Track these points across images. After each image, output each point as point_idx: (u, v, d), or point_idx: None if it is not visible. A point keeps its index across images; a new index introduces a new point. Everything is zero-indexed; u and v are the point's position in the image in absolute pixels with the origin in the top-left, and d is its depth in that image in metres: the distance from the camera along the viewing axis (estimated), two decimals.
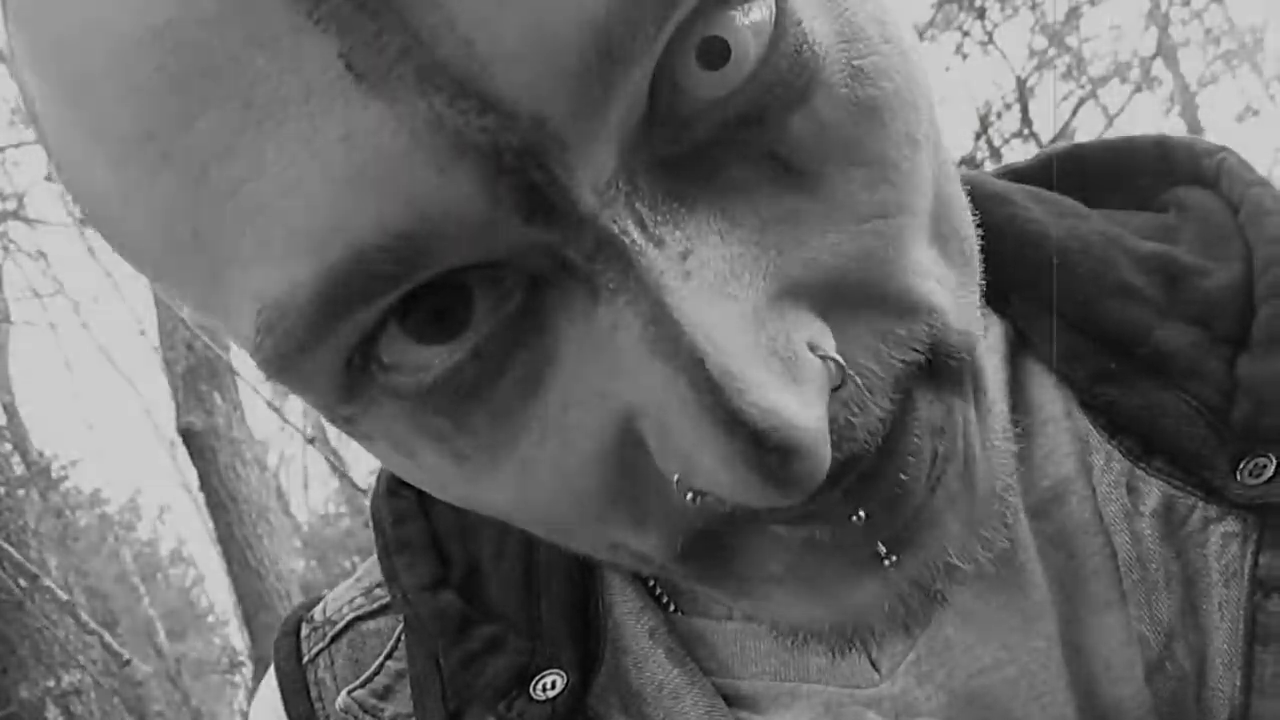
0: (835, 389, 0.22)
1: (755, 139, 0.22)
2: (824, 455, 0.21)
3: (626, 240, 0.20)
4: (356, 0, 0.18)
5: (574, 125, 0.19)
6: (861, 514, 0.24)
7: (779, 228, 0.22)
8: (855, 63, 0.22)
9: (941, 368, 0.25)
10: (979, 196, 0.38)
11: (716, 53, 0.21)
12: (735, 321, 0.21)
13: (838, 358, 0.22)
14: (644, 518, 0.25)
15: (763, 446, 0.20)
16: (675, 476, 0.23)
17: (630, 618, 0.37)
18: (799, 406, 0.20)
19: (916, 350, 0.24)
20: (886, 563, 0.25)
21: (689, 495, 0.23)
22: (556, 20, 0.18)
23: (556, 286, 0.22)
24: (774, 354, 0.21)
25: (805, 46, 0.21)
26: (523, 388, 0.23)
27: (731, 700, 0.35)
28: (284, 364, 0.22)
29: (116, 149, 0.21)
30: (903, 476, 0.24)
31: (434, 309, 0.22)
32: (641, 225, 0.21)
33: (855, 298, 0.23)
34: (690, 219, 0.21)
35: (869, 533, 0.25)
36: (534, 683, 0.35)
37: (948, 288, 0.25)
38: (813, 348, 0.22)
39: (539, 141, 0.19)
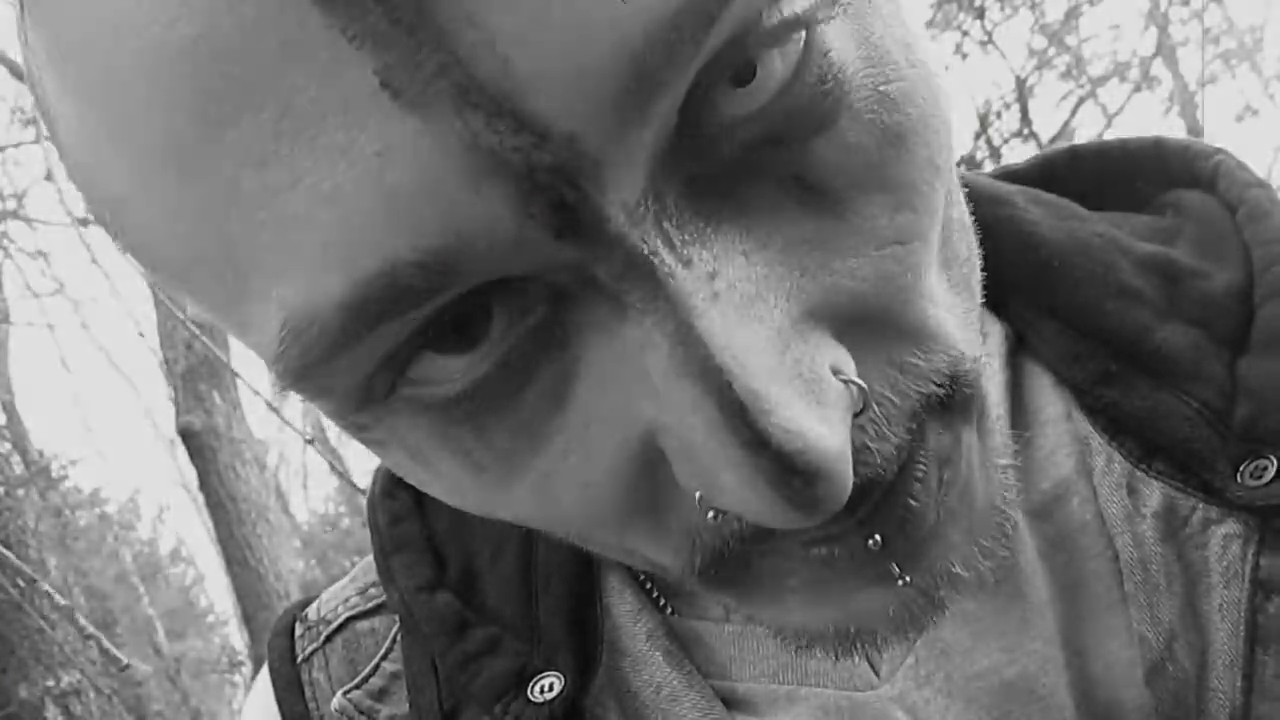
0: (856, 414, 0.22)
1: (781, 160, 0.22)
2: (846, 478, 0.21)
3: (656, 260, 0.20)
4: (393, 17, 0.18)
5: (608, 146, 0.19)
6: (878, 538, 0.24)
7: (802, 250, 0.22)
8: (881, 88, 0.22)
9: (953, 399, 0.25)
10: (978, 199, 0.38)
11: (743, 70, 0.21)
12: (761, 343, 0.21)
13: (860, 382, 0.22)
14: (664, 531, 0.25)
15: (787, 468, 0.20)
16: (698, 494, 0.23)
17: (628, 619, 0.36)
18: (824, 429, 0.21)
19: (935, 384, 0.24)
20: (900, 582, 0.25)
21: (710, 513, 0.24)
22: (594, 43, 0.18)
23: (581, 302, 0.22)
24: (799, 376, 0.21)
25: (833, 69, 0.21)
26: (545, 401, 0.23)
27: (729, 702, 0.35)
28: (305, 373, 0.22)
29: (142, 154, 0.20)
30: (913, 503, 0.24)
31: (454, 320, 0.22)
32: (670, 245, 0.21)
33: (873, 324, 0.23)
34: (716, 238, 0.21)
35: (883, 555, 0.25)
36: (531, 684, 0.35)
37: (954, 314, 0.25)
38: (835, 371, 0.22)
39: (572, 161, 0.19)
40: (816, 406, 0.21)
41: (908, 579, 0.25)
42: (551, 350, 0.23)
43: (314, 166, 0.19)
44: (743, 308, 0.21)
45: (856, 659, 0.34)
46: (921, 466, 0.24)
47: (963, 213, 0.27)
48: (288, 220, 0.20)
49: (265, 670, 0.42)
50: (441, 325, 0.22)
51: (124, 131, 0.20)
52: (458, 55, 0.18)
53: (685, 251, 0.21)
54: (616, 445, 0.23)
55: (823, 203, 0.22)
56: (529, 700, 0.34)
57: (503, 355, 0.22)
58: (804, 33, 0.21)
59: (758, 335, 0.21)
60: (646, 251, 0.20)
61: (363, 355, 0.22)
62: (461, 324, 0.22)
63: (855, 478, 0.22)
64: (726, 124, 0.21)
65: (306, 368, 0.22)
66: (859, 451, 0.23)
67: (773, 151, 0.22)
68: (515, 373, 0.23)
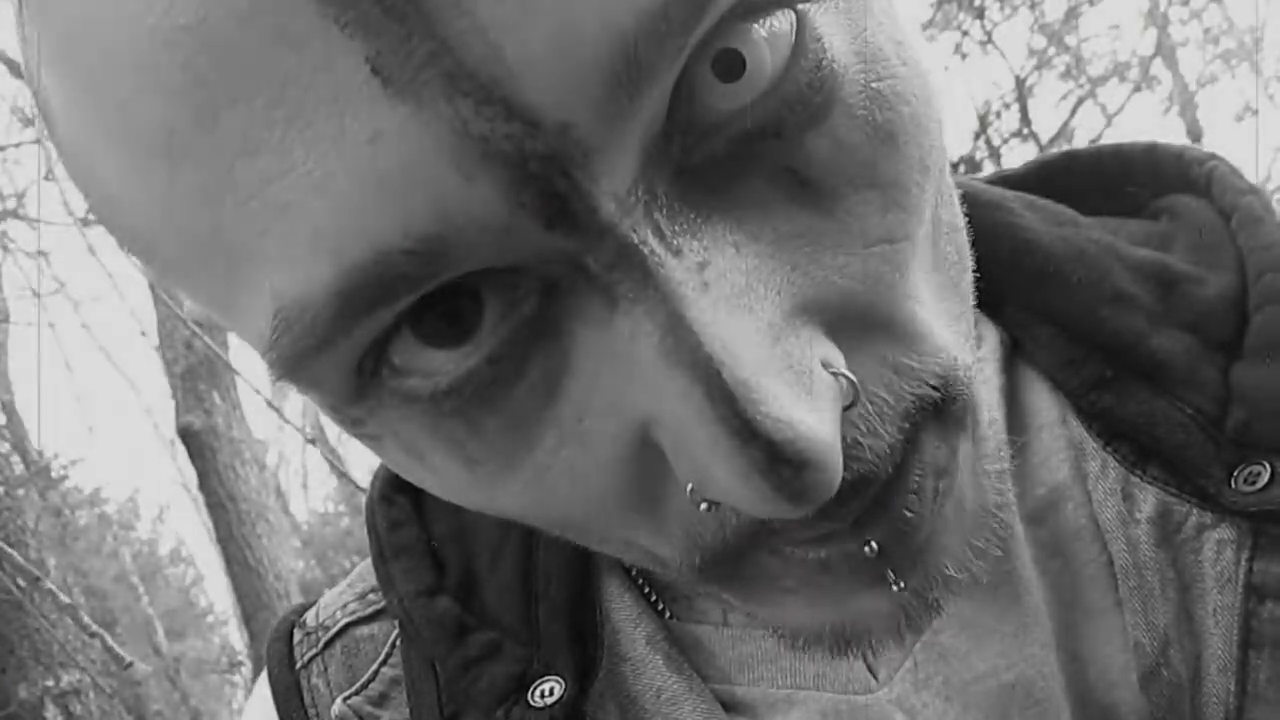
0: (846, 407, 0.22)
1: (772, 154, 0.22)
2: (836, 468, 0.21)
3: (646, 250, 0.21)
4: (384, 5, 0.18)
5: (598, 134, 0.19)
6: (874, 545, 0.24)
7: (793, 244, 0.22)
8: (874, 85, 0.22)
9: (948, 405, 0.25)
10: (974, 203, 0.38)
11: (732, 64, 0.21)
12: (752, 334, 0.21)
13: (850, 375, 0.22)
14: (660, 525, 0.25)
15: (777, 458, 0.20)
16: (689, 486, 0.23)
17: (628, 624, 0.37)
18: (814, 419, 0.21)
19: (930, 386, 0.24)
20: (895, 588, 0.25)
21: (702, 505, 0.24)
22: (584, 29, 0.18)
23: (572, 294, 0.22)
24: (789, 367, 0.21)
25: (825, 63, 0.21)
26: (538, 394, 0.23)
27: (729, 706, 0.35)
28: (297, 364, 0.22)
29: (136, 144, 0.21)
30: (909, 514, 0.24)
31: (445, 312, 0.22)
32: (660, 235, 0.21)
33: (862, 321, 0.23)
34: (707, 230, 0.21)
35: (879, 561, 0.25)
36: (532, 689, 0.35)
37: (943, 317, 0.25)
38: (826, 365, 0.22)
39: (563, 149, 0.19)
40: (806, 397, 0.21)
41: (901, 585, 0.25)
42: (543, 343, 0.23)
43: (305, 154, 0.19)
44: (733, 298, 0.21)
45: (853, 659, 0.34)
46: (917, 478, 0.24)
47: (954, 215, 0.27)
48: (279, 208, 0.20)
49: (264, 676, 0.42)
50: (434, 318, 0.22)
51: (118, 121, 0.21)
52: (448, 43, 0.18)
53: (675, 242, 0.21)
54: (610, 438, 0.23)
55: (814, 198, 0.22)
56: (530, 705, 0.34)
57: (494, 348, 0.22)
58: (795, 25, 0.21)
59: (748, 326, 0.21)
60: (636, 241, 0.20)
61: (353, 345, 0.22)
62: (454, 317, 0.22)
63: (846, 472, 0.22)
64: (717, 118, 0.21)
65: (298, 357, 0.22)
66: (850, 446, 0.23)
67: (765, 145, 0.22)
68: (506, 366, 0.23)
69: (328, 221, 0.20)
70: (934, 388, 0.24)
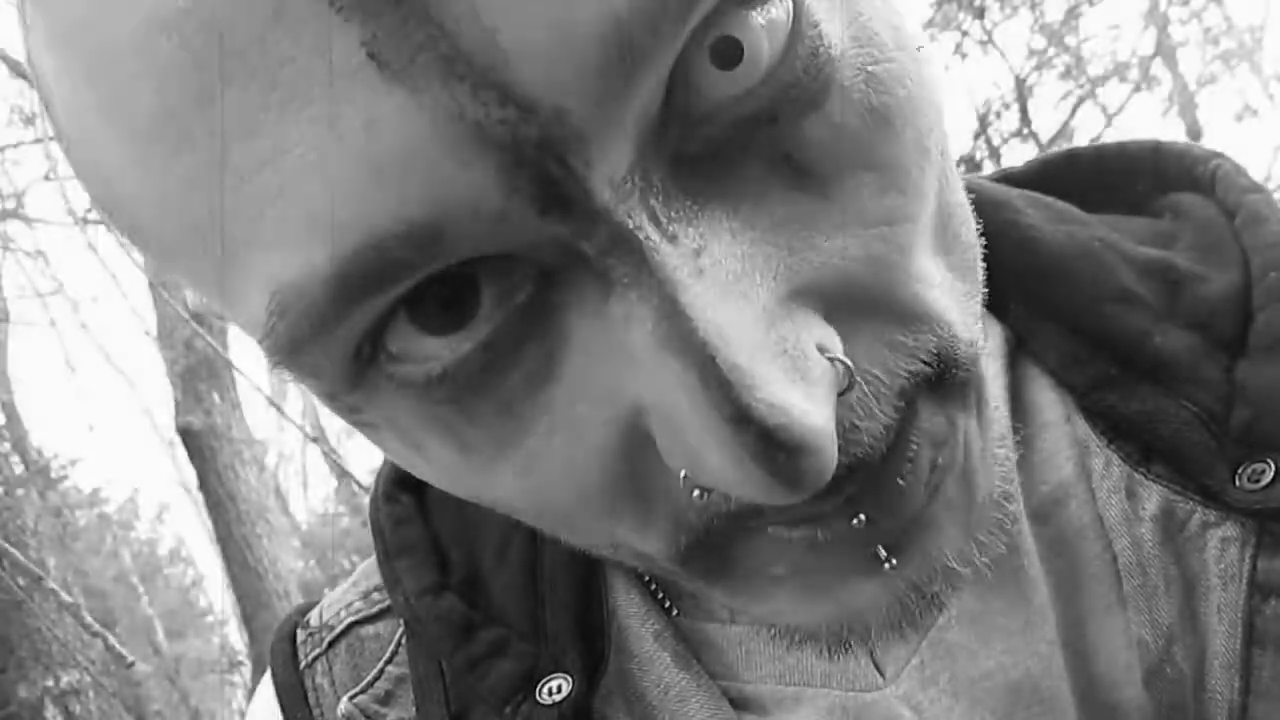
0: (842, 392, 0.22)
1: (769, 140, 0.22)
2: (831, 454, 0.21)
3: (641, 236, 0.21)
4: None
5: (593, 120, 0.19)
6: (862, 517, 0.24)
7: (790, 229, 0.22)
8: (870, 68, 0.22)
9: (947, 380, 0.25)
10: (977, 202, 0.38)
11: (730, 52, 0.21)
12: (747, 319, 0.21)
13: (846, 360, 0.22)
14: (648, 515, 0.25)
15: (770, 443, 0.20)
16: (682, 473, 0.23)
17: (635, 621, 0.37)
18: (808, 405, 0.21)
19: (924, 361, 0.24)
20: (886, 566, 0.25)
21: (694, 492, 0.24)
22: (579, 14, 0.18)
23: (568, 280, 0.22)
24: (784, 353, 0.21)
25: (821, 49, 0.21)
26: (531, 380, 0.23)
27: (736, 703, 0.35)
28: (293, 350, 0.22)
29: (134, 127, 0.21)
30: (900, 482, 0.24)
31: (442, 299, 0.22)
32: (655, 221, 0.21)
33: (862, 303, 0.23)
34: (703, 216, 0.21)
35: (869, 536, 0.25)
36: (540, 686, 0.35)
37: (952, 297, 0.25)
38: (821, 350, 0.22)
39: (558, 135, 0.19)
40: (801, 382, 0.21)
41: (894, 563, 0.25)
42: (538, 329, 0.23)
43: (301, 138, 0.19)
44: (728, 284, 0.21)
45: (855, 656, 0.35)
46: (913, 445, 0.24)
47: (959, 198, 0.27)
48: (275, 191, 0.20)
49: (268, 677, 0.42)
50: (429, 303, 0.22)
51: (116, 105, 0.21)
52: (444, 27, 0.18)
53: (671, 228, 0.21)
54: (603, 424, 0.23)
55: (811, 183, 0.22)
56: (538, 702, 0.34)
57: (489, 334, 0.22)
58: (791, 12, 0.21)
59: (743, 312, 0.21)
60: (632, 227, 0.20)
61: (349, 330, 0.22)
62: (449, 303, 0.22)
63: (842, 456, 0.22)
64: (714, 105, 0.21)
65: (295, 343, 0.22)
66: (846, 430, 0.23)
67: (761, 131, 0.22)
68: (501, 352, 0.23)
69: (323, 206, 0.20)
70: (927, 363, 0.24)
